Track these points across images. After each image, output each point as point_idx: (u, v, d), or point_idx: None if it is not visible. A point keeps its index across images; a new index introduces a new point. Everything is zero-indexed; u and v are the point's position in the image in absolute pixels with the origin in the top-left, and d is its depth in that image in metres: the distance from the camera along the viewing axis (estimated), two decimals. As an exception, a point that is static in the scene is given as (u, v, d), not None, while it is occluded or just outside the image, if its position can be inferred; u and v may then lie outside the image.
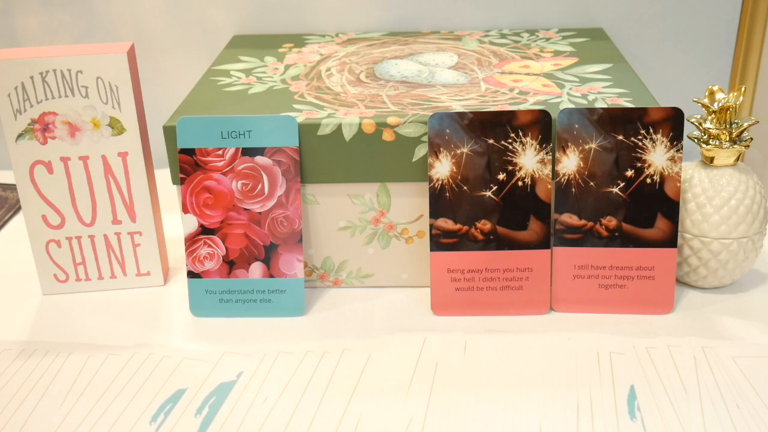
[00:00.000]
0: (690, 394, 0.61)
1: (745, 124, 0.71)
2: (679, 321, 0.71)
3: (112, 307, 0.75)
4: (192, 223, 0.72)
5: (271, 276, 0.73)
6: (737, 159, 0.72)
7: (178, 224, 0.80)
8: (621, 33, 1.01)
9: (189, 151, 0.71)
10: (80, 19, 1.02)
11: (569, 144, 0.70)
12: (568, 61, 0.86)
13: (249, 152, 0.71)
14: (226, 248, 0.73)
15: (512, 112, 0.69)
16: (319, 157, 0.72)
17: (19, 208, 0.95)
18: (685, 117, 0.69)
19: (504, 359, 0.66)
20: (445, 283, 0.72)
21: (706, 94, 0.72)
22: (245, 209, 0.72)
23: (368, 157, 0.71)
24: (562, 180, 0.70)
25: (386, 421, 0.60)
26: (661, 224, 0.70)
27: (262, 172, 0.71)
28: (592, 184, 0.70)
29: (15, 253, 0.85)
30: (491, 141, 0.69)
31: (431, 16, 1.01)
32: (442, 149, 0.70)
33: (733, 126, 0.71)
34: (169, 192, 0.81)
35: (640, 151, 0.69)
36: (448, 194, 0.70)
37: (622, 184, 0.70)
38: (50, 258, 0.76)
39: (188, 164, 0.71)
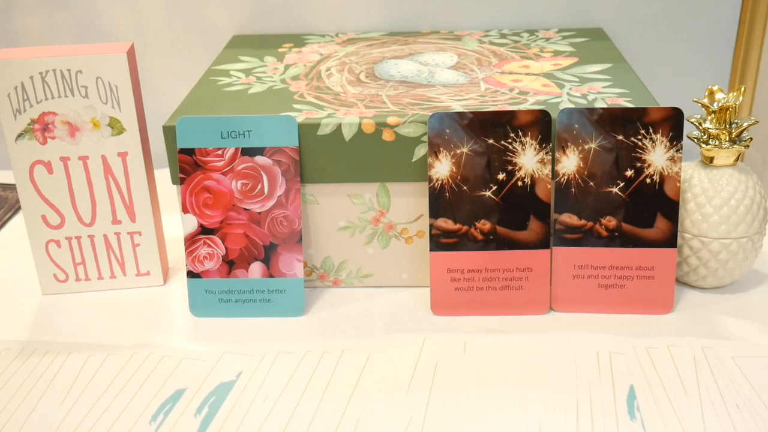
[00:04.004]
0: (690, 394, 0.61)
1: (745, 124, 0.71)
2: (679, 321, 0.71)
3: (112, 307, 0.75)
4: (192, 223, 0.72)
5: (271, 276, 0.73)
6: (737, 159, 0.72)
7: (178, 224, 0.80)
8: (621, 33, 1.01)
9: (189, 151, 0.71)
10: (80, 19, 1.02)
11: (569, 144, 0.70)
12: (568, 61, 0.86)
13: (249, 152, 0.71)
14: (226, 248, 0.73)
15: (512, 112, 0.69)
16: (319, 157, 0.72)
17: (19, 208, 0.96)
18: (685, 117, 0.69)
19: (504, 359, 0.66)
20: (445, 283, 0.72)
21: (706, 94, 0.72)
22: (245, 209, 0.72)
23: (368, 157, 0.71)
24: (562, 180, 0.70)
25: (386, 421, 0.60)
26: (661, 224, 0.70)
27: (262, 172, 0.71)
28: (591, 184, 0.70)
29: (15, 253, 0.85)
30: (491, 141, 0.69)
31: (431, 16, 1.01)
32: (441, 149, 0.70)
33: (733, 126, 0.71)
34: (169, 192, 0.81)
35: (639, 151, 0.69)
36: (447, 194, 0.70)
37: (621, 184, 0.70)
38: (50, 258, 0.76)
39: (188, 164, 0.71)
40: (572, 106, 0.73)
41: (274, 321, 0.73)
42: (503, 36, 0.97)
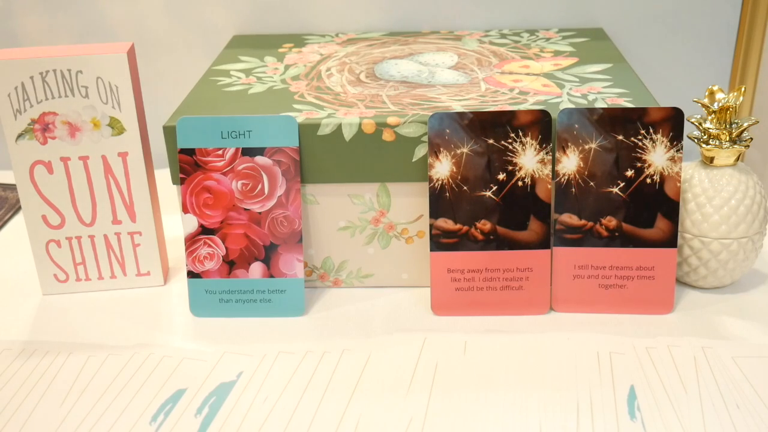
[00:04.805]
0: (690, 394, 0.61)
1: (745, 124, 0.71)
2: (679, 321, 0.71)
3: (112, 307, 0.75)
4: (192, 223, 0.72)
5: (271, 276, 0.73)
6: (737, 159, 0.72)
7: (178, 224, 0.80)
8: (621, 33, 1.01)
9: (189, 151, 0.71)
10: (80, 19, 1.02)
11: (569, 144, 0.70)
12: (568, 61, 0.86)
13: (249, 152, 0.71)
14: (226, 248, 0.73)
15: (512, 112, 0.69)
16: (319, 157, 0.72)
17: (19, 208, 0.96)
18: (685, 117, 0.69)
19: (504, 359, 0.66)
20: (445, 283, 0.72)
21: (706, 94, 0.72)
22: (245, 209, 0.72)
23: (368, 157, 0.71)
24: (562, 180, 0.70)
25: (386, 421, 0.60)
26: (661, 224, 0.70)
27: (262, 172, 0.71)
28: (592, 184, 0.70)
29: (15, 253, 0.85)
30: (491, 141, 0.69)
31: (431, 16, 1.01)
32: (442, 149, 0.70)
33: (733, 126, 0.71)
34: (169, 192, 0.81)
35: (640, 151, 0.69)
36: (448, 194, 0.70)
37: (622, 184, 0.70)
38: (50, 258, 0.76)
39: (188, 164, 0.71)
40: (572, 106, 0.73)
41: (274, 321, 0.73)
42: (503, 36, 0.97)
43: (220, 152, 0.71)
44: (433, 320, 0.72)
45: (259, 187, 0.72)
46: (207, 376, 0.65)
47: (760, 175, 0.96)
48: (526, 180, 0.70)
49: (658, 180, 0.70)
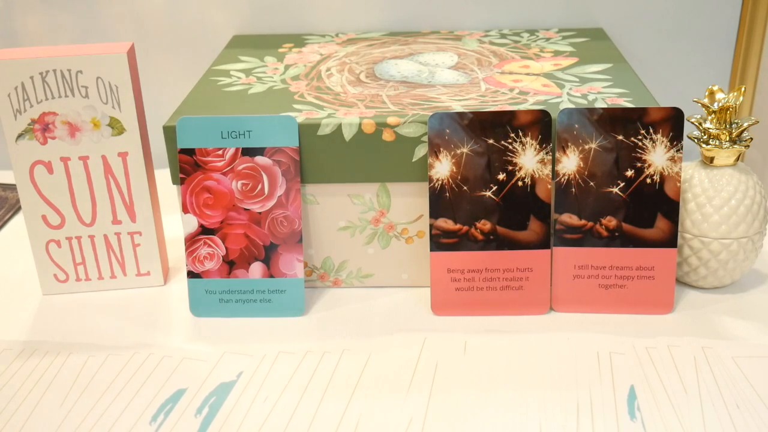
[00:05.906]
0: (690, 394, 0.61)
1: (745, 124, 0.71)
2: (679, 321, 0.71)
3: (112, 307, 0.75)
4: (192, 223, 0.72)
5: (271, 276, 0.73)
6: (737, 159, 0.72)
7: (178, 224, 0.80)
8: (621, 33, 1.01)
9: (189, 151, 0.71)
10: (80, 19, 1.02)
11: (569, 144, 0.70)
12: (568, 61, 0.86)
13: (249, 152, 0.71)
14: (226, 248, 0.73)
15: (512, 112, 0.69)
16: (319, 157, 0.72)
17: (19, 208, 0.96)
18: (685, 117, 0.69)
19: (504, 359, 0.66)
20: (445, 283, 0.72)
21: (706, 94, 0.72)
22: (245, 209, 0.72)
23: (368, 157, 0.71)
24: (562, 180, 0.70)
25: (386, 421, 0.60)
26: (661, 224, 0.70)
27: (262, 172, 0.71)
28: (592, 184, 0.70)
29: (15, 253, 0.85)
30: (491, 141, 0.69)
31: (431, 16, 1.01)
32: (442, 149, 0.70)
33: (733, 126, 0.71)
34: (169, 192, 0.81)
35: (640, 151, 0.69)
36: (448, 194, 0.70)
37: (622, 184, 0.70)
38: (50, 258, 0.76)
39: (188, 164, 0.71)
40: (572, 106, 0.73)
41: (274, 321, 0.73)
42: (503, 36, 0.97)
43: (220, 152, 0.71)
44: (433, 320, 0.72)
45: (259, 187, 0.72)
46: (207, 376, 0.65)
47: (760, 175, 0.96)
48: (526, 180, 0.70)
49: (658, 180, 0.70)
